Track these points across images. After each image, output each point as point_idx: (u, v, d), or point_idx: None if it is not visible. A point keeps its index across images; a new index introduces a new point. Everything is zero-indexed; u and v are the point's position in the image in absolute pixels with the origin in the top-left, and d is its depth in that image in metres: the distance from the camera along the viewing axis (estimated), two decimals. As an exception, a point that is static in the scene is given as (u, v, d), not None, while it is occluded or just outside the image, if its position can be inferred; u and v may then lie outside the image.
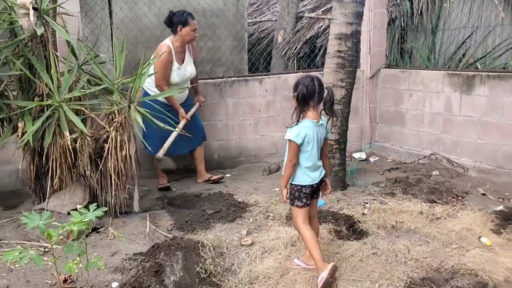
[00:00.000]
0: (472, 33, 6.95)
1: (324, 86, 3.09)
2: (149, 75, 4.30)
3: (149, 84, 4.72)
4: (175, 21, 4.74)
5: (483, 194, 4.63)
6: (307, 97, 3.02)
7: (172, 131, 4.48)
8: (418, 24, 7.01)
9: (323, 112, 3.11)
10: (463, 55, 6.76)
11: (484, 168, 5.12)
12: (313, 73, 5.86)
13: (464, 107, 5.26)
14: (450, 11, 7.17)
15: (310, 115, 3.06)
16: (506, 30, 7.72)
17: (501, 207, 4.17)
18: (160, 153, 4.64)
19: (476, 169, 5.18)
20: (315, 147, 3.08)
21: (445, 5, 6.93)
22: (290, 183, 3.16)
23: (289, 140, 3.05)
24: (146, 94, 4.65)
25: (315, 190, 3.19)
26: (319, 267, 3.01)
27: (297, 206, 3.14)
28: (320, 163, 3.17)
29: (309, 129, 3.04)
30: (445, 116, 5.46)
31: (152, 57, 4.52)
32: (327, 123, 3.14)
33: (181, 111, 4.82)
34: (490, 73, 5.08)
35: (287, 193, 3.15)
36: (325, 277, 2.94)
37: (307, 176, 3.11)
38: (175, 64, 4.77)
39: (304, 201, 3.13)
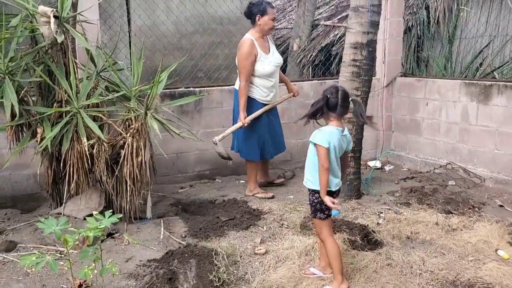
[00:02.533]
0: (489, 43, 6.88)
1: (350, 98, 3.11)
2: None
3: (255, 92, 4.78)
4: (254, 11, 4.66)
5: (501, 206, 4.57)
6: (329, 108, 3.05)
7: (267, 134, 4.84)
8: (435, 33, 6.99)
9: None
10: (480, 64, 6.70)
11: (502, 178, 5.05)
12: (329, 81, 5.88)
13: (481, 116, 5.21)
14: (467, 20, 7.12)
15: (334, 123, 3.08)
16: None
17: (518, 219, 4.12)
18: (218, 138, 4.72)
19: (493, 179, 5.12)
20: (336, 156, 3.10)
21: (462, 14, 6.89)
22: (314, 192, 3.13)
23: (318, 144, 3.03)
24: (251, 100, 4.75)
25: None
26: (337, 279, 3.04)
27: (320, 218, 3.13)
28: (339, 172, 3.17)
29: (334, 135, 3.06)
30: (462, 126, 5.41)
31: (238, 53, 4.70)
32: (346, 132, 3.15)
33: (242, 115, 4.69)
34: (508, 83, 5.03)
35: (332, 201, 3.04)
36: None
37: (330, 183, 3.07)
38: (262, 55, 4.70)
39: (327, 212, 3.12)
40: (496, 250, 3.57)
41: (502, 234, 3.79)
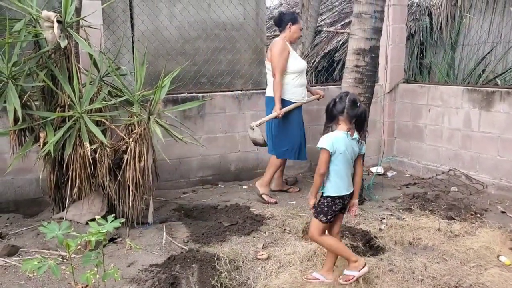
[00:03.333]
0: (492, 49, 6.89)
1: (358, 104, 3.11)
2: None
3: (286, 92, 4.96)
4: (285, 19, 5.00)
5: (503, 212, 4.56)
6: (335, 113, 3.11)
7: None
8: (438, 39, 7.00)
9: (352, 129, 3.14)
10: (483, 71, 6.71)
11: (504, 185, 5.04)
12: (332, 87, 5.90)
13: (484, 123, 5.21)
14: (470, 26, 7.13)
15: (342, 127, 3.12)
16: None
17: (521, 226, 4.11)
18: (255, 123, 4.92)
19: (496, 186, 5.11)
20: (346, 160, 3.12)
21: (464, 21, 6.90)
22: (323, 196, 3.19)
23: (322, 148, 3.10)
24: (284, 101, 4.92)
25: (343, 206, 3.23)
26: (352, 261, 3.14)
27: (321, 220, 3.18)
28: (350, 176, 3.19)
29: (340, 139, 3.09)
30: (464, 132, 5.41)
31: (266, 57, 5.04)
32: (359, 140, 3.15)
33: (278, 106, 4.89)
34: (510, 90, 5.03)
35: (315, 203, 3.19)
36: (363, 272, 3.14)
37: (337, 188, 3.14)
38: (293, 52, 5.01)
39: (329, 218, 3.17)
40: (498, 256, 3.56)
41: (504, 240, 3.78)
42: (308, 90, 5.28)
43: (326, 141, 3.08)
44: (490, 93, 5.16)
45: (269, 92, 5.10)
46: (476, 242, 3.80)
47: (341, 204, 3.18)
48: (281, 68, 4.88)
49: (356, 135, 3.14)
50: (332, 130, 3.16)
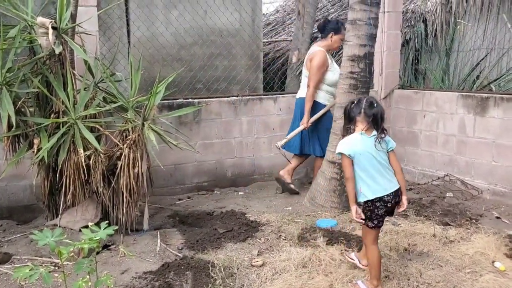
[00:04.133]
0: (486, 55, 6.92)
1: (375, 104, 3.15)
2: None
3: (319, 97, 5.21)
4: (329, 27, 5.20)
5: (498, 217, 4.56)
6: (353, 114, 3.16)
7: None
8: (432, 46, 7.02)
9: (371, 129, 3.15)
10: (477, 76, 6.73)
11: (499, 190, 5.05)
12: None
13: (478, 128, 5.22)
14: (464, 33, 7.16)
15: (359, 128, 3.15)
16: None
17: (516, 231, 4.11)
18: (281, 143, 5.24)
19: (491, 191, 5.12)
20: (371, 158, 3.09)
21: (459, 27, 6.93)
22: (359, 203, 3.15)
23: (341, 154, 3.14)
24: (316, 103, 5.17)
25: (390, 209, 3.15)
26: (373, 283, 3.16)
27: (367, 225, 3.14)
28: (388, 176, 3.12)
29: (356, 141, 3.11)
30: (459, 138, 5.42)
31: (304, 63, 5.23)
32: (378, 138, 3.11)
33: (306, 118, 5.16)
34: (504, 96, 5.05)
35: (356, 212, 3.11)
36: None
37: (371, 191, 3.08)
38: (331, 65, 5.23)
39: (375, 222, 3.12)
40: (493, 262, 3.55)
41: (499, 246, 3.77)
42: None
43: (342, 146, 3.13)
44: (484, 99, 5.17)
45: (300, 94, 5.34)
46: (471, 248, 3.79)
47: (384, 206, 3.09)
48: (317, 82, 5.12)
49: (374, 132, 3.12)
50: (352, 131, 3.19)
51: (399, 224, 4.31)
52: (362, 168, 3.10)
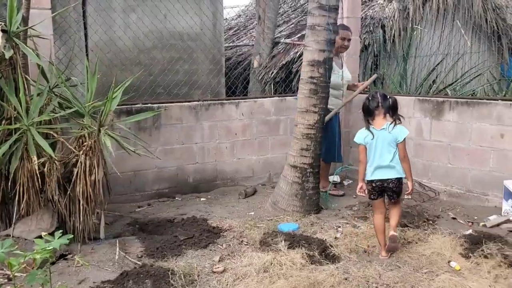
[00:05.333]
0: (442, 60, 7.14)
1: (388, 96, 3.77)
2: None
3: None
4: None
5: (453, 218, 4.69)
6: (372, 108, 3.76)
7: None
8: (391, 51, 7.18)
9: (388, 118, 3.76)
10: (434, 81, 6.92)
11: (455, 192, 5.20)
12: (290, 98, 5.94)
13: (435, 132, 5.37)
14: (421, 38, 7.36)
15: (374, 123, 3.77)
16: (474, 57, 7.97)
17: (470, 231, 4.22)
18: None
19: (447, 193, 5.26)
20: (379, 148, 3.73)
21: (415, 33, 7.12)
22: (367, 181, 3.82)
23: (356, 142, 3.83)
24: None
25: (386, 189, 3.77)
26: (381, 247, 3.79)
27: (370, 198, 3.89)
28: (392, 164, 3.72)
29: (369, 133, 3.74)
30: (416, 141, 5.55)
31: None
32: (390, 128, 3.72)
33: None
34: (459, 100, 5.21)
35: (361, 188, 3.82)
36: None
37: (371, 173, 3.77)
38: (335, 68, 5.26)
39: (373, 197, 3.82)
40: (448, 262, 3.64)
41: (454, 246, 3.87)
42: (348, 89, 5.65)
43: (357, 137, 3.83)
44: (440, 103, 5.32)
45: None
46: (428, 248, 3.88)
47: (378, 185, 3.76)
48: None
49: (385, 125, 3.72)
50: (370, 123, 3.78)
51: (358, 226, 4.37)
52: (370, 157, 3.78)
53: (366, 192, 3.83)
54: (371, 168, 3.78)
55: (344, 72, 5.52)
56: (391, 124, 3.73)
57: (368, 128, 3.77)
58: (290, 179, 4.83)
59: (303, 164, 4.77)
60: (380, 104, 3.73)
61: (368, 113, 3.79)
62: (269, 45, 7.40)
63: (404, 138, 3.78)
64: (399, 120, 3.76)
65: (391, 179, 3.75)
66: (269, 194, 5.33)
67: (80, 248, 3.83)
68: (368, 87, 5.57)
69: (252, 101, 5.96)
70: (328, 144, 5.39)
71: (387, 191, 3.80)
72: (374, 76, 5.62)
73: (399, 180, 3.77)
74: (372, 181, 3.78)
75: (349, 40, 5.48)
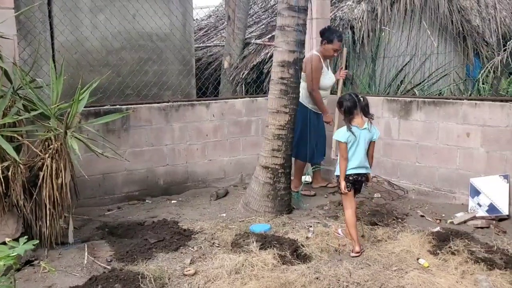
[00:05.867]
0: (409, 60, 7.27)
1: (362, 97, 4.00)
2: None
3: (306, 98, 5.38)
4: (325, 35, 5.38)
5: (422, 216, 4.77)
6: (351, 109, 3.94)
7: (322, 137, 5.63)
8: (360, 52, 7.27)
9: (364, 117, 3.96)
10: (401, 81, 7.04)
11: (423, 190, 5.30)
12: (261, 99, 5.95)
13: (403, 131, 5.46)
14: (389, 39, 7.48)
15: (355, 122, 3.94)
16: (440, 58, 8.15)
17: (438, 228, 4.31)
18: (333, 154, 5.36)
19: (416, 191, 5.36)
20: (359, 147, 3.94)
21: (383, 34, 7.23)
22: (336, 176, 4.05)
23: (337, 141, 4.00)
24: (301, 105, 5.18)
25: (357, 183, 4.03)
26: (353, 244, 3.88)
27: (341, 193, 4.06)
28: (364, 160, 3.99)
29: (351, 132, 3.91)
30: (385, 140, 5.63)
31: (304, 67, 5.16)
32: (370, 127, 3.97)
33: (327, 114, 5.54)
34: (426, 99, 5.31)
35: (345, 185, 3.97)
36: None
37: (349, 168, 3.96)
38: (325, 70, 5.46)
39: (348, 190, 3.99)
40: (417, 259, 3.70)
41: (423, 243, 3.94)
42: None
43: (339, 135, 3.98)
44: (408, 103, 5.41)
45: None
46: (397, 246, 3.93)
47: (354, 180, 3.98)
48: (316, 88, 5.39)
49: (366, 125, 3.95)
50: (350, 122, 3.95)
51: (329, 226, 4.40)
52: (350, 154, 3.97)
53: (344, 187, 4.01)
54: (350, 162, 3.98)
55: (330, 73, 5.63)
56: (369, 123, 3.98)
57: (349, 127, 3.94)
58: (261, 180, 4.83)
59: (274, 164, 4.78)
60: (357, 104, 3.95)
61: (350, 113, 3.97)
62: (240, 46, 7.41)
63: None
64: (372, 119, 4.02)
65: (364, 173, 4.03)
66: (241, 195, 5.32)
67: (47, 253, 3.75)
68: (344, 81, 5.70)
69: (223, 102, 5.94)
70: (316, 143, 5.57)
71: (357, 184, 4.04)
72: (345, 50, 5.73)
73: (367, 174, 4.09)
74: (349, 175, 3.98)
75: (337, 50, 5.50)
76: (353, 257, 3.79)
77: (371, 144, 4.03)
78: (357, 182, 4.03)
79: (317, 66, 5.33)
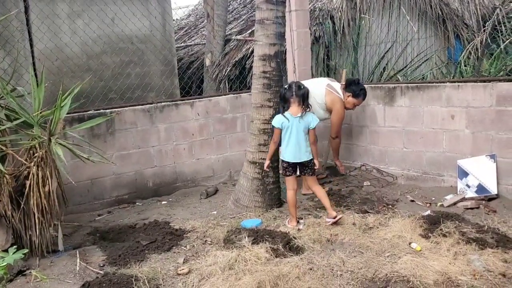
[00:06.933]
0: (390, 47, 7.29)
1: (302, 87, 4.23)
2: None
3: (317, 106, 5.11)
4: (352, 88, 5.20)
5: (412, 201, 4.80)
6: (288, 96, 4.21)
7: None
8: (341, 42, 7.28)
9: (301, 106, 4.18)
10: (384, 68, 7.07)
11: (412, 175, 5.33)
12: (245, 95, 5.94)
13: (388, 118, 5.48)
14: (370, 27, 7.50)
15: (290, 110, 4.19)
16: (421, 43, 8.19)
17: (428, 212, 4.34)
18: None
19: (404, 176, 5.39)
20: (292, 135, 4.19)
21: (363, 22, 7.25)
22: (282, 159, 4.37)
23: (273, 126, 4.30)
24: None
25: (300, 168, 4.30)
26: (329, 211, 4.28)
27: (284, 174, 4.38)
28: (303, 148, 4.21)
29: (285, 118, 4.18)
30: (372, 128, 5.66)
31: (323, 95, 5.14)
32: (303, 116, 4.17)
33: (339, 161, 5.58)
34: (409, 85, 5.34)
35: (268, 166, 4.49)
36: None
37: (287, 155, 4.27)
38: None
39: (288, 173, 4.34)
40: (409, 244, 3.73)
41: (414, 228, 3.97)
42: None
43: (274, 121, 4.27)
44: (391, 89, 5.44)
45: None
46: (389, 232, 3.96)
47: (293, 164, 4.28)
48: (340, 131, 5.35)
49: (300, 113, 4.16)
50: (287, 109, 4.21)
51: (320, 216, 4.42)
52: (285, 140, 4.25)
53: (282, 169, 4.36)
54: (287, 149, 4.26)
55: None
56: (303, 112, 4.18)
57: (283, 114, 4.22)
58: (250, 175, 4.83)
59: (262, 159, 4.78)
60: (294, 93, 4.18)
61: (284, 101, 4.26)
62: (221, 43, 7.38)
63: (316, 125, 4.25)
64: (309, 108, 4.25)
65: (306, 161, 4.27)
66: (230, 192, 5.31)
67: (38, 262, 3.71)
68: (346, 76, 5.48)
69: (207, 100, 5.92)
70: None
71: (300, 167, 4.32)
72: (344, 71, 5.56)
73: (311, 160, 4.30)
74: (288, 161, 4.28)
75: (356, 105, 5.32)
76: (289, 228, 4.18)
77: (310, 131, 4.23)
78: (299, 166, 4.29)
79: (343, 117, 5.23)
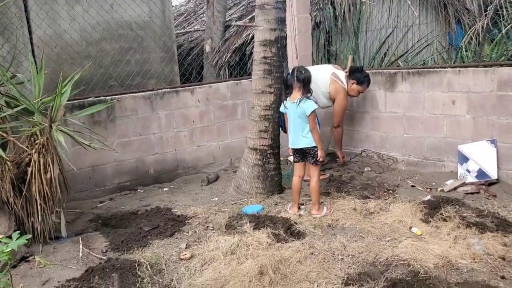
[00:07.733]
0: (391, 32, 7.25)
1: (303, 71, 4.14)
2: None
3: (321, 94, 5.13)
4: (355, 75, 5.17)
5: (412, 186, 4.82)
6: (288, 83, 4.20)
7: None
8: (342, 27, 7.24)
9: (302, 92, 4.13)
10: (385, 54, 7.03)
11: (412, 160, 5.34)
12: (245, 81, 5.92)
13: (389, 103, 5.48)
14: (371, 13, 7.44)
15: (291, 96, 4.18)
16: (422, 28, 8.14)
17: (428, 197, 4.36)
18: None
19: (405, 162, 5.40)
20: (291, 120, 4.18)
21: (364, 8, 7.20)
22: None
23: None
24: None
25: (301, 154, 4.27)
26: (315, 207, 4.24)
27: (293, 161, 4.42)
28: (299, 134, 4.15)
29: (286, 105, 4.23)
30: (372, 114, 5.65)
31: (327, 83, 5.13)
32: (299, 102, 4.09)
33: (341, 151, 5.62)
34: (410, 70, 5.32)
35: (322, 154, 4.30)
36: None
37: (289, 141, 4.30)
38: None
39: (296, 159, 4.35)
40: (410, 228, 3.75)
41: (414, 212, 3.99)
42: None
43: (282, 106, 4.29)
44: (392, 75, 5.42)
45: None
46: (390, 217, 3.98)
47: (293, 150, 4.29)
48: (342, 120, 5.34)
49: (297, 99, 4.10)
50: (289, 95, 4.19)
51: (322, 202, 4.43)
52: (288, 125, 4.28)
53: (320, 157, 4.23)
54: (289, 136, 4.29)
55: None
56: (301, 98, 4.10)
57: (284, 101, 4.28)
58: (251, 162, 4.84)
59: (262, 146, 4.78)
60: (296, 78, 4.13)
61: (286, 87, 4.28)
62: (221, 29, 7.34)
63: (312, 112, 4.08)
64: (310, 93, 4.14)
65: (307, 148, 4.17)
66: (231, 179, 5.33)
67: (41, 248, 3.74)
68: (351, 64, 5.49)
69: (207, 86, 5.90)
70: None
71: (304, 154, 4.26)
72: (350, 57, 5.59)
73: (313, 148, 4.16)
74: (291, 147, 4.32)
75: (361, 92, 5.33)
76: (290, 214, 4.24)
77: (309, 118, 4.11)
78: (302, 152, 4.25)
79: (345, 107, 5.25)
